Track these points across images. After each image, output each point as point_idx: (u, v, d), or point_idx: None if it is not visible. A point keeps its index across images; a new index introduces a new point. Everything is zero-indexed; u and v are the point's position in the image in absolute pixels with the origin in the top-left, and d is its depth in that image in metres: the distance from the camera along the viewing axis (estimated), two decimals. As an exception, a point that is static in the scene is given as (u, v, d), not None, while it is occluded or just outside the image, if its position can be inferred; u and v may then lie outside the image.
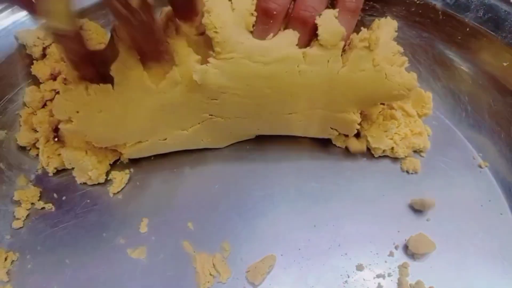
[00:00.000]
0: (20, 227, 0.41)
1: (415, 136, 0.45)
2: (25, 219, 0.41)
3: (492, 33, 0.48)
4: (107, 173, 0.44)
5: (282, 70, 0.37)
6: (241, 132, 0.44)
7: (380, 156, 0.45)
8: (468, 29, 0.49)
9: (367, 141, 0.45)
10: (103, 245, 0.40)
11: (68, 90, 0.38)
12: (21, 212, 0.41)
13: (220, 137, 0.44)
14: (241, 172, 0.44)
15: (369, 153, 0.46)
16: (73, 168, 0.43)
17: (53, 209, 0.42)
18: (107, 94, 0.37)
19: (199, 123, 0.41)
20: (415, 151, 0.46)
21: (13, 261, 0.39)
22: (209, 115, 0.41)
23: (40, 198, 0.43)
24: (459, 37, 0.50)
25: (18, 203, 0.42)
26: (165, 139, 0.42)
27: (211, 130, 0.42)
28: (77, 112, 0.38)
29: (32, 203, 0.42)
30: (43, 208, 0.42)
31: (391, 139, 0.44)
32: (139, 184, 0.44)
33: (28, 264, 0.39)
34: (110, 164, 0.44)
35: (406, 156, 0.45)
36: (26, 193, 0.42)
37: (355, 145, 0.45)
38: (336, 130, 0.44)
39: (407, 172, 0.45)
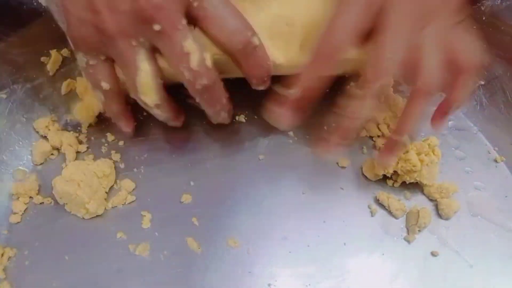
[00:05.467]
0: (18, 222, 0.39)
1: None
2: (23, 214, 0.40)
3: (510, 22, 0.47)
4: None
5: None
6: None
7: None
8: (484, 18, 0.47)
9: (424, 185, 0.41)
10: (104, 241, 0.38)
11: None
12: (18, 207, 0.39)
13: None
14: (248, 165, 0.43)
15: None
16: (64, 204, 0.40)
17: (52, 203, 0.40)
18: None
19: None
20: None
21: (10, 257, 0.37)
22: None
23: (39, 193, 0.41)
24: (475, 27, 0.48)
25: (15, 197, 0.40)
26: None
27: None
28: None
29: (31, 197, 0.40)
30: (41, 203, 0.40)
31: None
32: (141, 178, 0.42)
33: (26, 261, 0.37)
34: (106, 192, 0.41)
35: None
36: (24, 187, 0.40)
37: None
38: None
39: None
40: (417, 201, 0.41)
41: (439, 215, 0.40)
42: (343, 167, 0.43)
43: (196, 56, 0.32)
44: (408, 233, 0.39)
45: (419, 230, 0.39)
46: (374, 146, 0.44)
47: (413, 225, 0.39)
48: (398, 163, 0.40)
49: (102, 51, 0.34)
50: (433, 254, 0.38)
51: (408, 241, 0.39)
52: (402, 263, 0.38)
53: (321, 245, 0.38)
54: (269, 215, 0.40)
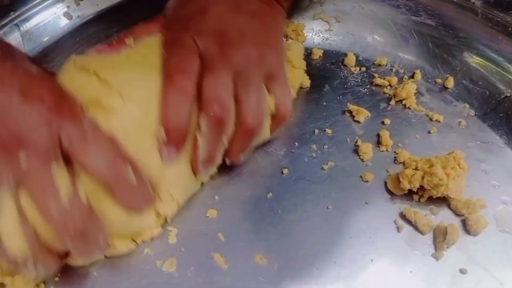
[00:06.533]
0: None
1: None
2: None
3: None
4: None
5: None
6: None
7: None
8: (510, 29, 0.47)
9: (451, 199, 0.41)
10: (131, 256, 0.38)
11: None
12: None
13: None
14: (272, 180, 0.43)
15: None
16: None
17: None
18: None
19: None
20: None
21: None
22: None
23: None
24: (500, 37, 0.48)
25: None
26: None
27: None
28: None
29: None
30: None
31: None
32: (166, 192, 0.42)
33: (55, 277, 0.38)
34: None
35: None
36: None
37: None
38: None
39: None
40: (443, 216, 0.41)
41: (467, 231, 0.40)
42: (366, 181, 0.43)
43: (64, 189, 0.28)
44: (435, 250, 0.39)
45: (447, 247, 0.39)
46: (396, 160, 0.44)
47: (441, 242, 0.39)
48: (423, 177, 0.40)
49: None
50: (462, 271, 0.38)
51: (436, 258, 0.38)
52: (431, 280, 0.37)
53: (348, 262, 0.38)
54: (295, 230, 0.40)
